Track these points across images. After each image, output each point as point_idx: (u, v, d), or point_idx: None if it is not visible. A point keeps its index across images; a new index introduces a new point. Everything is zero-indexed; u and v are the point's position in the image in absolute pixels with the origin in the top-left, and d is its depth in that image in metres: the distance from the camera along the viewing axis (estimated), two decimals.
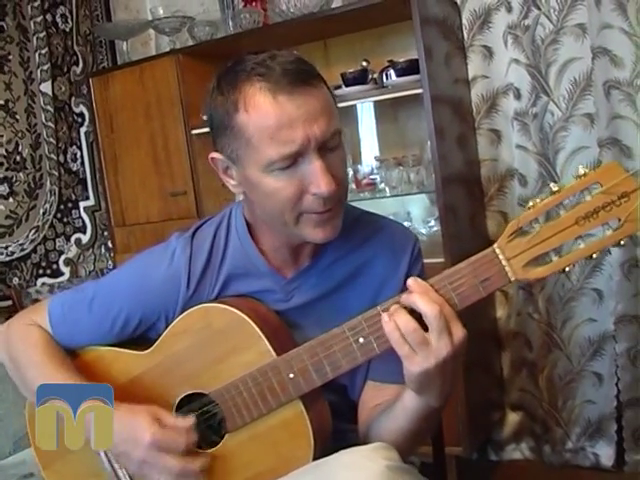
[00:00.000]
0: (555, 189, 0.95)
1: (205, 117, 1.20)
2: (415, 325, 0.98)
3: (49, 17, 2.91)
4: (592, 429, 2.50)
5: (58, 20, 2.95)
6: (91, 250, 3.03)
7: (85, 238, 3.02)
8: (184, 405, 1.21)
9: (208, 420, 1.20)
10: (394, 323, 0.99)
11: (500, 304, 2.67)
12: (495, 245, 0.98)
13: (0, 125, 2.69)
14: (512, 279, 0.98)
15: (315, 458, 1.10)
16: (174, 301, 1.21)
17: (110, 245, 3.03)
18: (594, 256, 0.96)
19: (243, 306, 1.15)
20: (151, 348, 1.22)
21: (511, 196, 2.60)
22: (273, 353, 1.11)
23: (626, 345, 2.39)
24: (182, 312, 1.20)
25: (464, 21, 2.57)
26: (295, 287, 1.21)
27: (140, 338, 1.26)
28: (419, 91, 2.33)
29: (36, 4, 2.85)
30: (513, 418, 2.69)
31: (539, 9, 2.42)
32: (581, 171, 0.94)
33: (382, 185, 2.61)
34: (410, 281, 1.00)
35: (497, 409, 2.70)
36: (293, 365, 1.10)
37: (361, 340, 1.05)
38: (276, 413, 1.13)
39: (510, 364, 2.68)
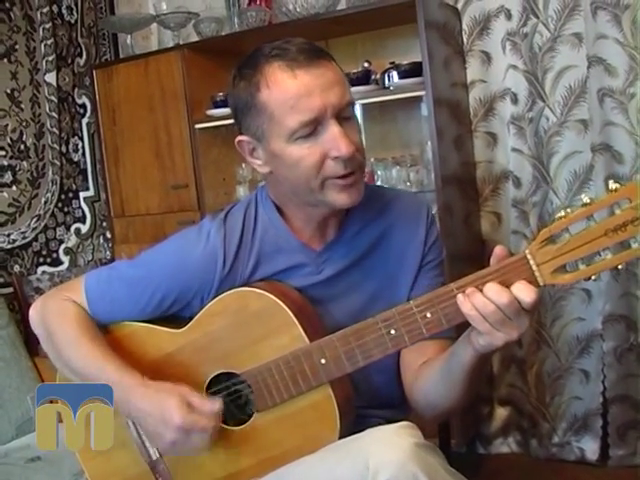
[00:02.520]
0: (586, 201, 1.00)
1: (229, 108, 1.28)
2: (493, 307, 1.02)
3: (55, 8, 2.94)
4: (578, 424, 2.58)
5: (64, 12, 2.98)
6: (90, 240, 3.06)
7: (84, 228, 3.04)
8: (214, 384, 1.25)
9: (235, 400, 1.26)
10: (470, 304, 1.04)
11: None
12: (527, 250, 1.04)
13: (6, 114, 2.72)
14: (541, 284, 1.03)
15: (339, 439, 1.16)
16: (211, 280, 1.26)
17: (109, 235, 3.06)
18: (619, 267, 1.01)
19: (277, 291, 1.21)
20: (186, 326, 1.26)
21: (505, 197, 2.67)
22: (306, 338, 1.17)
23: (613, 344, 2.47)
24: (218, 290, 1.25)
25: (464, 26, 2.64)
26: (325, 259, 1.28)
27: (172, 317, 1.30)
28: (422, 93, 2.40)
29: None
30: (501, 413, 2.76)
31: (537, 17, 2.50)
32: (612, 186, 0.99)
33: (379, 183, 2.67)
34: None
35: (486, 404, 2.77)
36: (325, 351, 1.15)
37: (393, 332, 1.11)
38: (305, 395, 1.18)
39: (500, 360, 2.74)
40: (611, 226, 0.99)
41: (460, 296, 1.05)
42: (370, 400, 1.30)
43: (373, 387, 1.31)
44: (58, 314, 1.32)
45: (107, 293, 1.31)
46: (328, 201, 1.19)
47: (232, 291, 1.23)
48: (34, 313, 1.36)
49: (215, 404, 1.17)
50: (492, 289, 1.03)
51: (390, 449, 1.03)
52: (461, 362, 1.14)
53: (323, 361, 1.15)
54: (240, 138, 1.23)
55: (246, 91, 1.18)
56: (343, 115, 1.16)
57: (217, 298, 1.25)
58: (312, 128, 1.14)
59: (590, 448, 2.56)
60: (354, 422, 1.22)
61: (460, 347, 1.14)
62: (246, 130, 1.21)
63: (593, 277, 1.03)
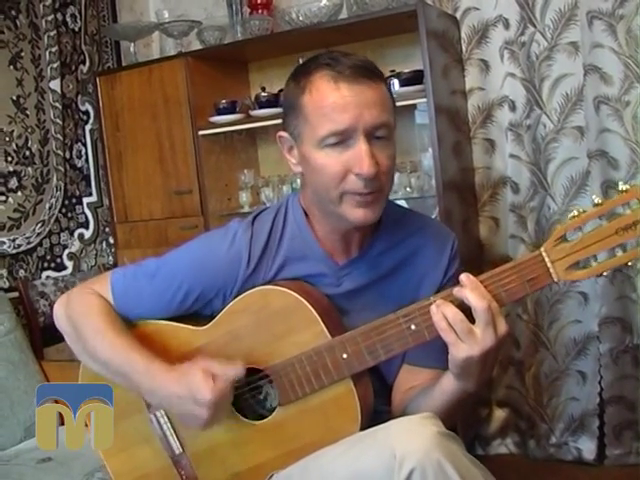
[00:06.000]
0: (598, 202, 1.06)
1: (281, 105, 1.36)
2: (462, 316, 1.09)
3: (59, 16, 2.97)
4: (575, 425, 2.63)
5: (68, 19, 3.01)
6: (93, 245, 3.08)
7: (87, 233, 3.07)
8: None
9: (256, 395, 1.30)
10: (441, 314, 1.11)
11: None
12: (542, 248, 1.10)
13: (11, 120, 2.75)
14: (556, 279, 1.09)
15: (359, 431, 1.20)
16: (234, 279, 1.30)
17: (111, 241, 3.10)
18: (629, 264, 1.07)
19: (300, 289, 1.25)
20: (209, 324, 1.30)
21: (503, 202, 2.72)
22: (328, 334, 1.21)
23: (609, 345, 2.52)
24: (240, 290, 1.29)
25: (463, 35, 2.70)
26: (346, 273, 1.32)
27: (194, 315, 1.34)
28: (423, 100, 2.45)
29: (47, 3, 2.91)
30: (499, 414, 2.80)
31: (535, 27, 2.55)
32: (623, 187, 1.05)
33: None
34: (463, 277, 1.12)
35: (484, 406, 2.82)
36: (347, 347, 1.20)
37: (413, 327, 1.16)
38: (327, 389, 1.22)
39: (498, 362, 2.79)
40: (622, 225, 1.05)
41: (433, 307, 1.12)
42: (383, 398, 1.34)
43: (387, 388, 1.36)
44: (83, 306, 1.34)
45: (132, 288, 1.35)
46: (343, 214, 1.23)
47: (255, 289, 1.27)
48: (59, 308, 1.38)
49: (237, 369, 1.22)
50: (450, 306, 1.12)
51: (415, 438, 1.08)
52: (442, 390, 1.22)
53: (345, 356, 1.20)
54: (280, 134, 1.30)
55: (293, 92, 1.25)
56: (377, 135, 1.19)
57: (240, 296, 1.28)
58: (340, 139, 1.18)
59: (587, 448, 2.60)
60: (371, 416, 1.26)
61: (444, 375, 1.21)
62: (286, 128, 1.28)
63: (605, 273, 1.09)
